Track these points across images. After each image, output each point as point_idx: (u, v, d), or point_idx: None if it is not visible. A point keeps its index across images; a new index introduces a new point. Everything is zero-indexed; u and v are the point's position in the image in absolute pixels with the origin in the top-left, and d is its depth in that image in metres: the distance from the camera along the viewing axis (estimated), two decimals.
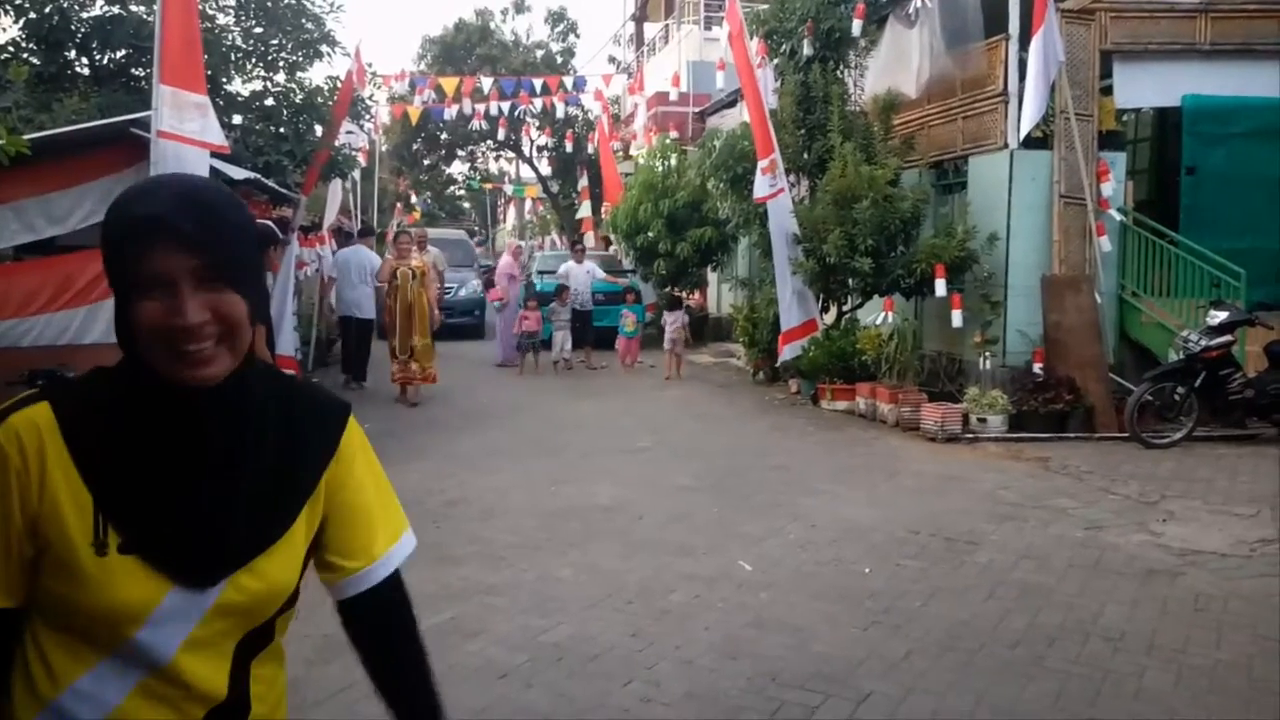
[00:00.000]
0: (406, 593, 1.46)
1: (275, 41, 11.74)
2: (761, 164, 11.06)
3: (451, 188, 38.55)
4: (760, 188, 11.08)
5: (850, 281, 10.80)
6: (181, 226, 1.14)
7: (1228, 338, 8.45)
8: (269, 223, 7.20)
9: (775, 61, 12.33)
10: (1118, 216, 10.08)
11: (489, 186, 36.94)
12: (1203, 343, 8.39)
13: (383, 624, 1.42)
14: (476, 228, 46.27)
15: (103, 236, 1.19)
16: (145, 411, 1.20)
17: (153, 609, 1.18)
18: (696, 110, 20.81)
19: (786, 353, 11.12)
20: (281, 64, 11.83)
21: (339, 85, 11.94)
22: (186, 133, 6.15)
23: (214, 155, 6.70)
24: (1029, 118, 9.28)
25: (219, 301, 1.17)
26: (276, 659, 1.36)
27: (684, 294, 16.64)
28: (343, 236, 14.97)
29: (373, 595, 1.39)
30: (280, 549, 1.27)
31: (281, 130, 11.22)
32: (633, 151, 21.97)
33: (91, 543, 1.16)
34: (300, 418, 1.33)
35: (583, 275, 14.81)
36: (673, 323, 13.29)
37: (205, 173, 6.24)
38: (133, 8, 10.42)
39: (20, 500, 1.16)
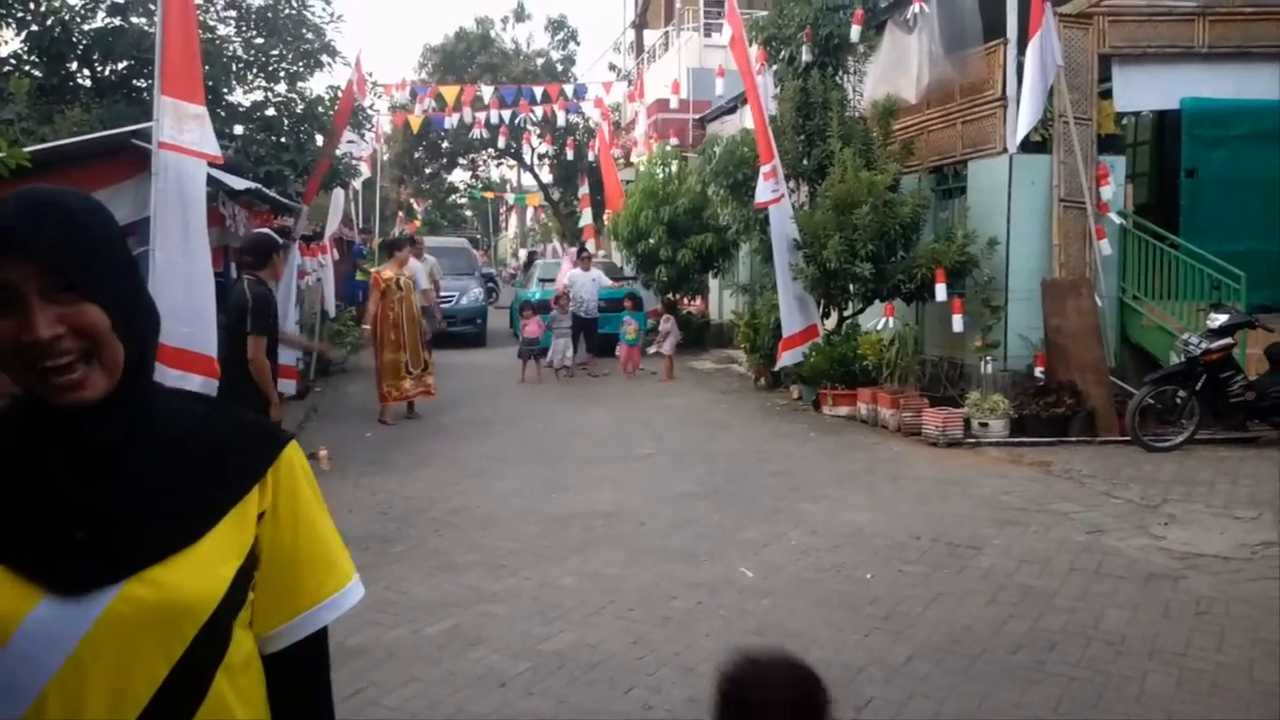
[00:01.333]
0: (325, 661, 1.33)
1: (276, 52, 11.79)
2: (764, 169, 11.09)
3: (453, 196, 38.65)
4: (762, 193, 11.10)
5: (851, 287, 10.82)
6: (24, 236, 1.07)
7: (1228, 340, 8.44)
8: (268, 231, 7.22)
9: (774, 68, 12.36)
10: (1117, 220, 10.09)
11: (490, 195, 37.01)
12: (1203, 345, 8.39)
13: (291, 689, 1.28)
14: (478, 235, 46.35)
15: None
16: (27, 429, 1.15)
17: (20, 619, 1.09)
18: (697, 117, 20.84)
19: (786, 359, 11.12)
20: (282, 74, 11.88)
21: (340, 95, 11.99)
22: (185, 143, 6.17)
23: (213, 166, 6.73)
24: (1026, 121, 9.30)
25: (73, 314, 1.09)
26: (257, 671, 1.26)
27: (674, 299, 16.73)
28: (344, 246, 15.01)
29: (288, 656, 1.27)
30: (185, 560, 1.15)
31: (283, 140, 11.27)
32: (633, 158, 21.99)
33: None
34: (225, 441, 1.25)
35: (588, 283, 14.84)
36: (666, 329, 13.61)
37: (202, 182, 6.27)
38: (134, 20, 10.47)
39: None
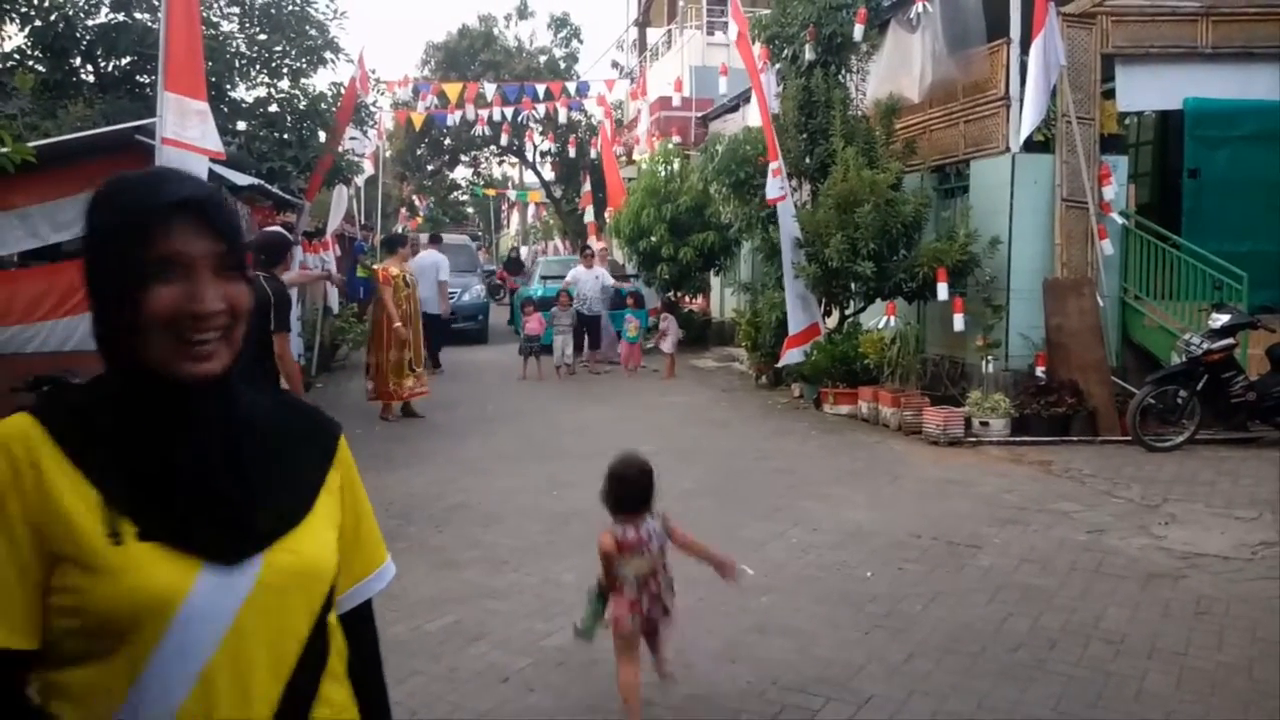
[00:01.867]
0: (375, 625, 1.44)
1: (279, 48, 11.79)
2: (772, 166, 11.11)
3: (455, 193, 38.63)
4: (772, 189, 11.14)
5: (852, 285, 10.82)
6: (210, 211, 1.16)
7: (1230, 341, 8.44)
8: (280, 229, 7.23)
9: (777, 66, 12.36)
10: (1120, 220, 10.08)
11: (492, 192, 37.00)
12: (1205, 346, 8.39)
13: (355, 652, 1.36)
14: (480, 232, 46.35)
15: (99, 225, 1.18)
16: (141, 408, 1.17)
17: (184, 594, 1.12)
18: (699, 115, 20.83)
19: (788, 357, 11.13)
20: (285, 71, 11.89)
21: (342, 91, 12.00)
22: (188, 139, 6.18)
23: (215, 161, 6.74)
24: (1029, 121, 9.30)
25: (232, 292, 1.18)
26: (342, 682, 1.32)
27: (674, 298, 16.78)
28: (346, 242, 15.02)
29: (352, 617, 1.37)
30: (306, 529, 1.24)
31: (285, 136, 11.27)
32: (635, 156, 21.99)
33: (106, 534, 1.11)
34: (297, 422, 1.35)
35: (591, 281, 14.85)
36: (665, 327, 13.69)
37: (204, 178, 6.28)
38: (137, 15, 10.47)
39: (22, 513, 1.10)
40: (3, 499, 1.10)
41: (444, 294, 14.06)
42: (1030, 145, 9.82)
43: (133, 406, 1.18)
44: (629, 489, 3.81)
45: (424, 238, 16.21)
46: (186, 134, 6.19)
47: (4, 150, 4.41)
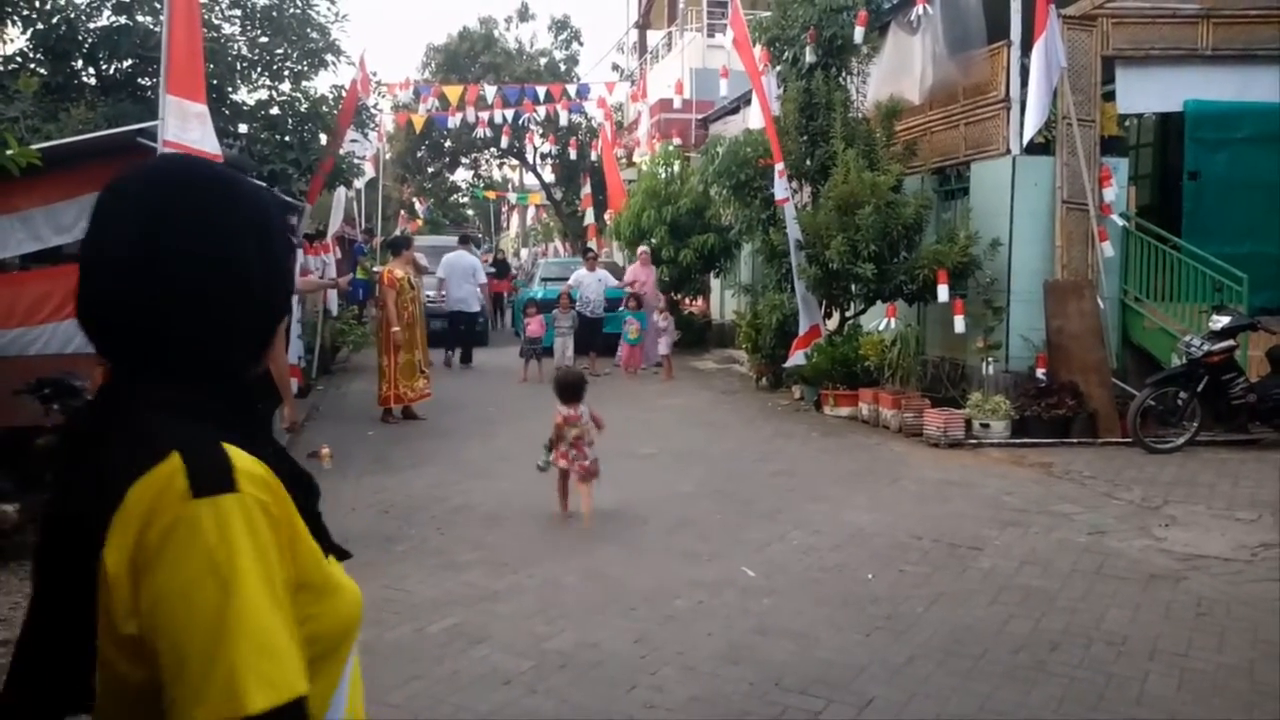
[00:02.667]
0: None
1: (280, 51, 11.79)
2: (778, 167, 11.13)
3: (455, 195, 38.62)
4: (780, 190, 11.16)
5: (853, 287, 10.83)
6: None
7: (1230, 342, 8.45)
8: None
9: (778, 69, 12.37)
10: (1120, 222, 10.09)
11: (492, 195, 37.00)
12: (1205, 347, 8.40)
13: None
14: (480, 235, 46.34)
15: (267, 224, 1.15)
16: (242, 415, 1.13)
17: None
18: (699, 117, 20.85)
19: (795, 359, 11.15)
20: (287, 73, 11.88)
21: (344, 94, 12.01)
22: (188, 142, 6.18)
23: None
24: (1032, 124, 9.31)
25: None
26: None
27: (675, 298, 16.83)
28: (346, 245, 15.03)
29: None
30: None
31: (286, 139, 11.26)
32: (636, 158, 22.00)
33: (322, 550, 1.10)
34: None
35: (594, 283, 14.86)
36: (663, 325, 13.81)
37: None
38: (139, 18, 10.48)
39: (284, 551, 1.02)
40: (280, 545, 1.01)
41: (486, 294, 15.91)
42: (1031, 147, 9.82)
43: (239, 415, 1.12)
44: (569, 388, 6.61)
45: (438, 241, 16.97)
46: (187, 136, 6.20)
47: (9, 153, 4.41)
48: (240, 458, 1.01)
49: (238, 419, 1.10)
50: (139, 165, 1.15)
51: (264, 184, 9.28)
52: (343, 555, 1.15)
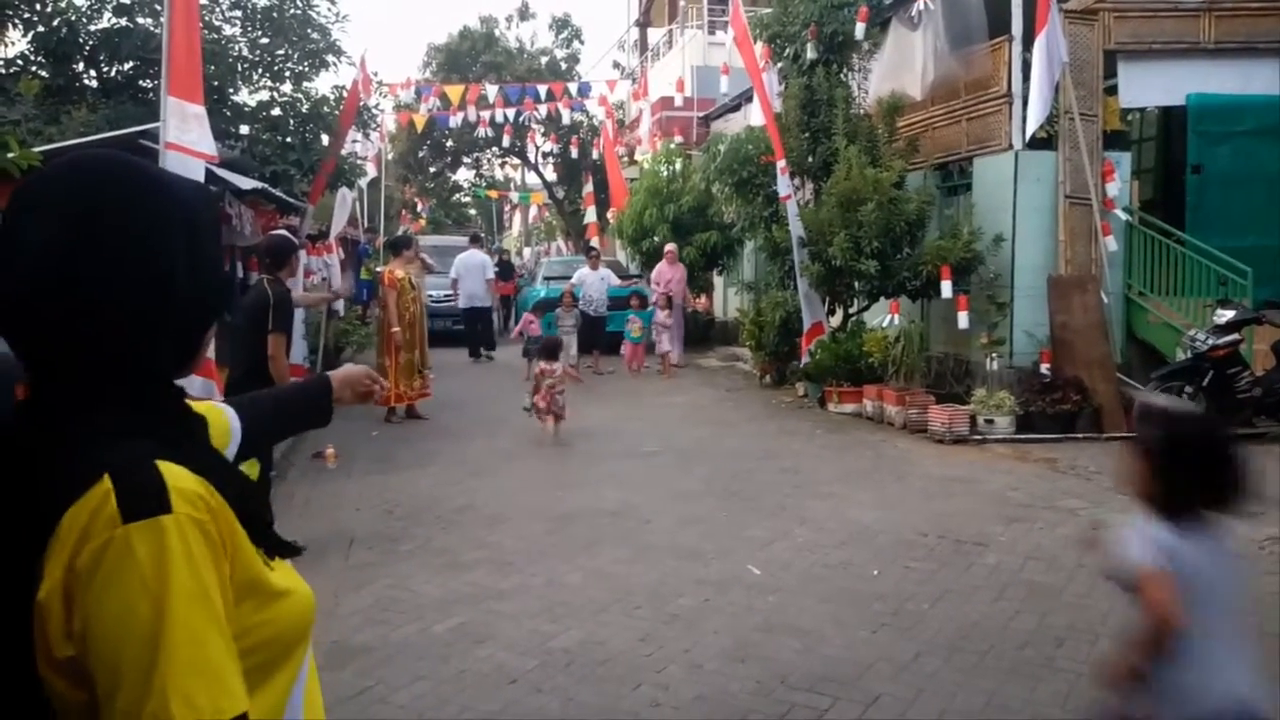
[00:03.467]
0: None
1: (282, 52, 11.80)
2: (780, 164, 11.13)
3: (457, 195, 38.64)
4: (783, 187, 11.16)
5: (856, 284, 10.82)
6: None
7: (1235, 336, 8.43)
8: (285, 233, 7.26)
9: (779, 65, 12.36)
10: (1123, 216, 10.07)
11: (494, 194, 37.02)
12: (1210, 342, 8.38)
13: None
14: (482, 234, 46.34)
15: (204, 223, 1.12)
16: (181, 421, 1.12)
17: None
18: (701, 115, 20.84)
19: (807, 355, 11.15)
20: (288, 74, 11.88)
21: (345, 94, 12.01)
22: (187, 143, 6.19)
23: (219, 165, 6.75)
24: (1034, 118, 9.29)
25: None
26: None
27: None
28: (349, 245, 15.05)
29: None
30: None
31: (288, 140, 11.26)
32: (637, 156, 22.00)
33: (260, 555, 1.07)
34: None
35: (597, 282, 14.87)
36: (667, 322, 13.82)
37: (201, 181, 6.29)
38: (140, 20, 10.49)
39: (228, 569, 1.01)
40: (218, 561, 0.99)
41: (494, 289, 16.59)
42: (1033, 142, 9.81)
43: (169, 420, 1.09)
44: (549, 349, 8.88)
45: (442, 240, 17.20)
46: (186, 138, 6.20)
47: (11, 156, 4.41)
48: (174, 475, 0.98)
49: (168, 425, 1.07)
50: (60, 162, 1.08)
51: (264, 183, 9.28)
52: (293, 552, 1.12)
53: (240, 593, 1.02)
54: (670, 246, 15.29)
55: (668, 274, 14.84)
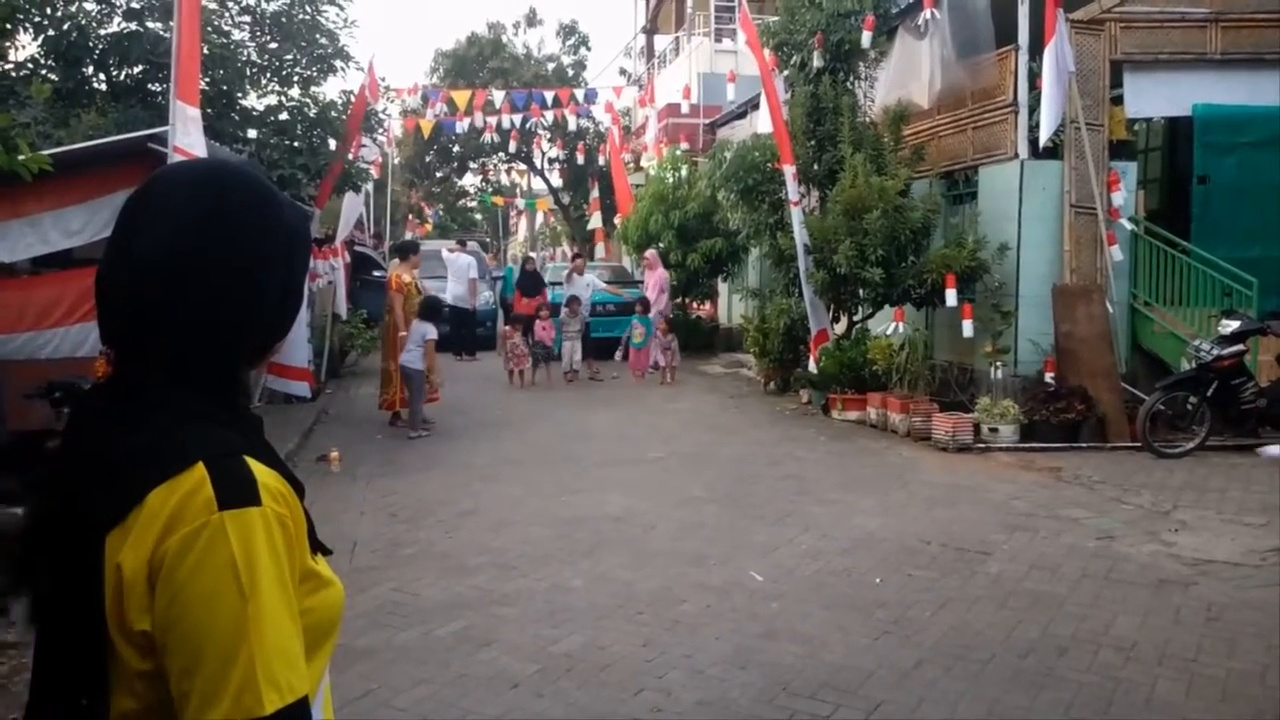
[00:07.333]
0: None
1: (290, 57, 11.85)
2: (788, 169, 11.14)
3: (463, 200, 38.73)
4: (792, 191, 11.19)
5: (861, 292, 10.82)
6: None
7: (1240, 347, 8.42)
8: None
9: (785, 73, 12.38)
10: (1129, 226, 10.06)
11: (500, 200, 37.11)
12: (1215, 352, 8.37)
13: None
14: (488, 239, 46.43)
15: (291, 229, 1.16)
16: (232, 411, 1.14)
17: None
18: (707, 122, 20.88)
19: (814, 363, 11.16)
20: (296, 79, 11.93)
21: (353, 99, 12.05)
22: (187, 146, 6.23)
23: None
24: (1047, 127, 9.30)
25: None
26: None
27: (682, 302, 16.88)
28: (353, 249, 15.08)
29: None
30: None
31: (296, 144, 11.30)
32: (644, 163, 22.04)
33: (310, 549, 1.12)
34: None
35: (583, 287, 14.91)
36: (666, 342, 13.79)
37: None
38: (149, 25, 10.54)
39: (294, 558, 1.06)
40: (291, 554, 1.05)
41: (475, 290, 16.64)
42: (1038, 151, 9.81)
43: (232, 413, 1.13)
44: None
45: (440, 243, 17.41)
46: (188, 140, 6.24)
47: (21, 158, 4.45)
48: (260, 471, 1.05)
49: (242, 420, 1.13)
50: (177, 166, 1.19)
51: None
52: (326, 551, 1.19)
53: (300, 577, 1.08)
54: (649, 252, 15.33)
55: (649, 281, 14.91)
